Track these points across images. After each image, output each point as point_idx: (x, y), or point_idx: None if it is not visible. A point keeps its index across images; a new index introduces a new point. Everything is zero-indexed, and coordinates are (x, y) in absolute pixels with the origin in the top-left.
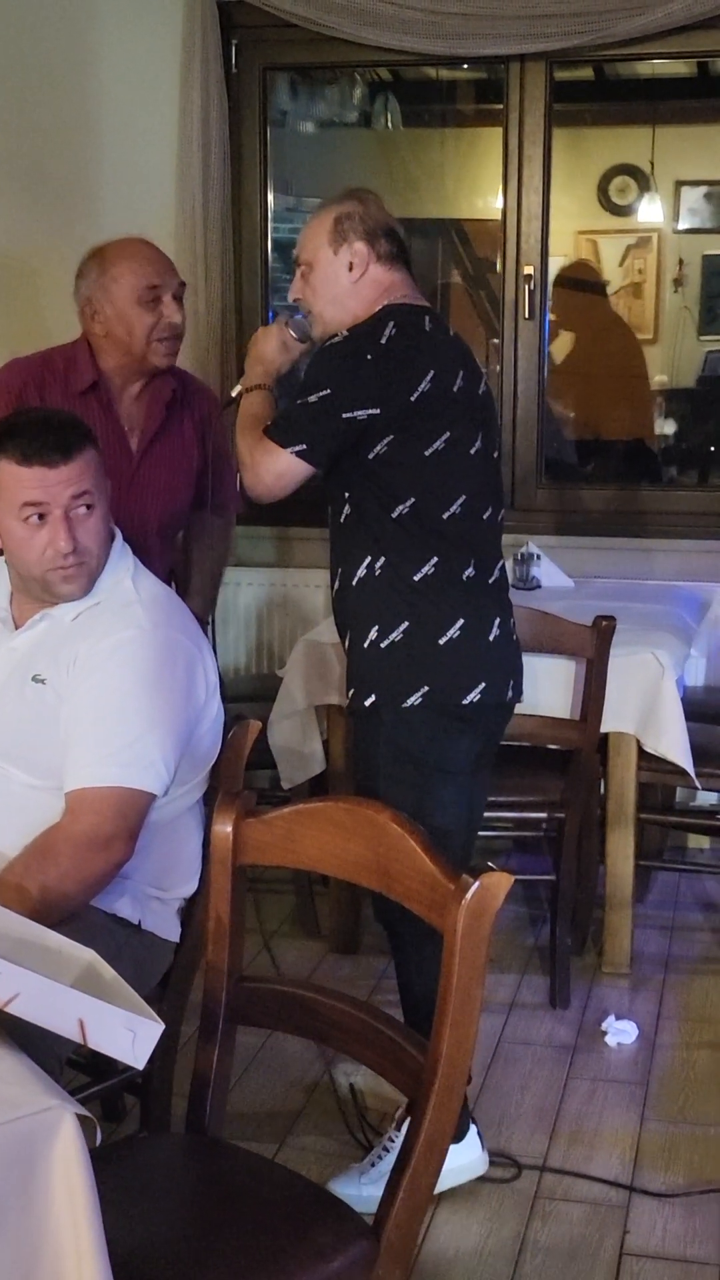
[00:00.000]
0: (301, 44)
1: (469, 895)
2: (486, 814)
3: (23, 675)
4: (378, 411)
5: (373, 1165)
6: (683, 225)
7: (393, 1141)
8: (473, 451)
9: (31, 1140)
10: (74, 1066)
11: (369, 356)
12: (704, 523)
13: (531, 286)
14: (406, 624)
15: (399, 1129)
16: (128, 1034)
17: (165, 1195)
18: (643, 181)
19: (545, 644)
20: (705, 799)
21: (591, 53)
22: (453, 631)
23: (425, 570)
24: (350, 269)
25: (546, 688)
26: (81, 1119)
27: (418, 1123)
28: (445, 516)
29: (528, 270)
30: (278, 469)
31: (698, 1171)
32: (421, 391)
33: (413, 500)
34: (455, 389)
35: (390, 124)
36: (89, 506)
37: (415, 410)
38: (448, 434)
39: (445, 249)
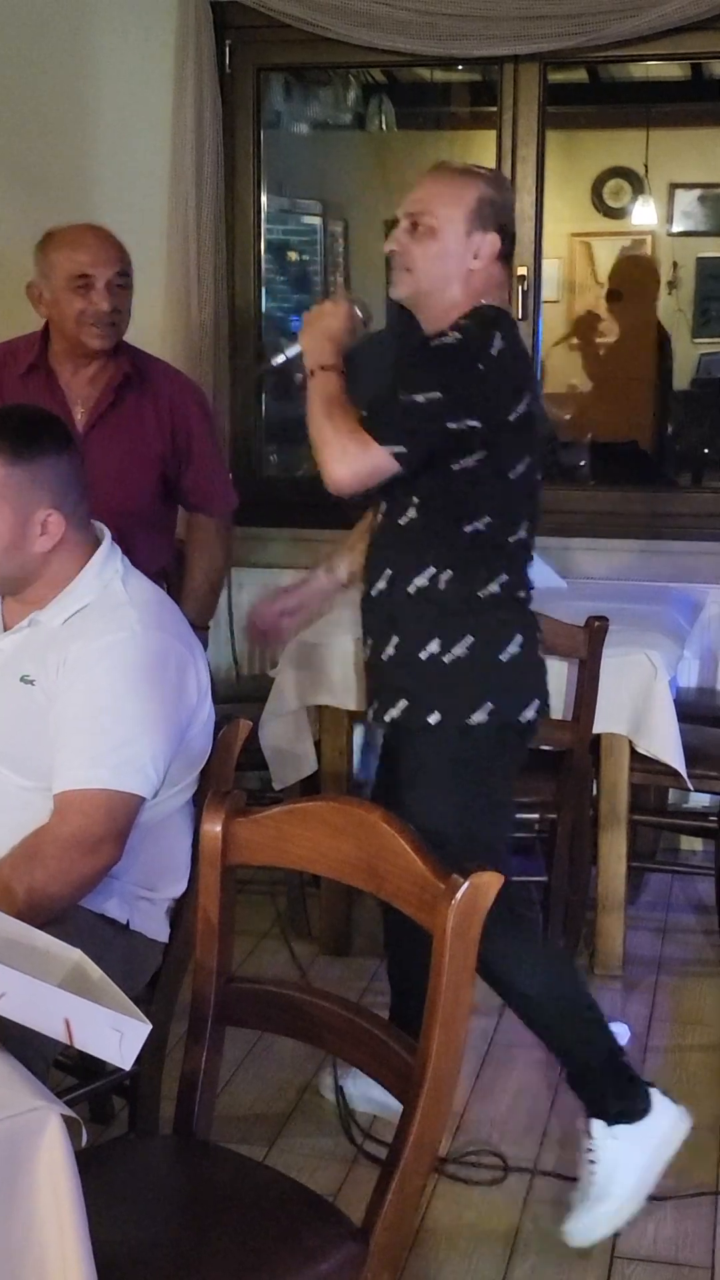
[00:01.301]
0: (295, 44)
1: (458, 896)
2: None
3: (11, 676)
4: (478, 425)
5: (589, 1187)
6: (677, 228)
7: (592, 1152)
8: (539, 476)
9: (16, 1141)
10: (62, 1068)
11: (481, 366)
12: (698, 524)
13: (525, 288)
14: (471, 639)
15: (590, 1135)
16: (114, 1034)
17: (153, 1198)
18: (637, 184)
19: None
20: (698, 800)
21: (585, 54)
22: (512, 648)
23: (492, 588)
24: (475, 256)
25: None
26: (67, 1120)
27: (407, 1124)
28: (512, 539)
29: (521, 272)
30: (371, 464)
31: (688, 1174)
32: (519, 412)
33: (488, 519)
34: (536, 412)
35: (385, 126)
36: None
37: (510, 430)
38: (528, 458)
39: None
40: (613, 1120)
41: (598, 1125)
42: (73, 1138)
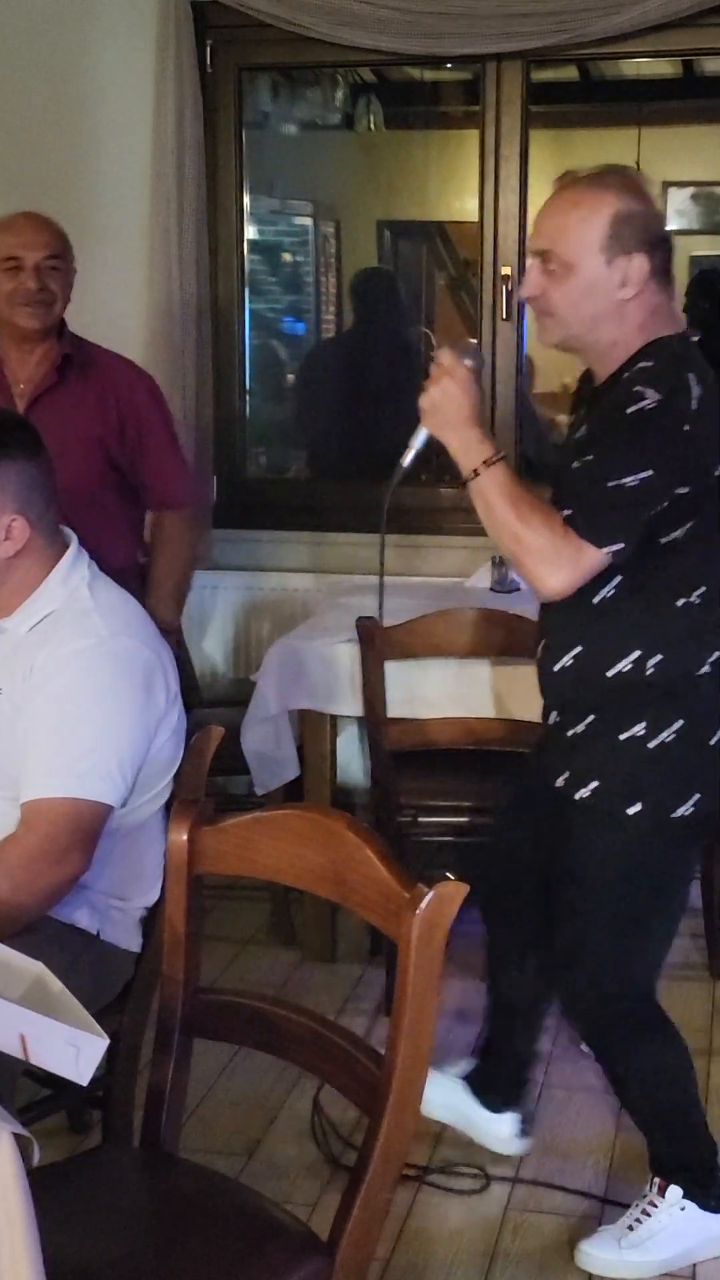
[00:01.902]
0: (277, 44)
1: (423, 905)
2: (462, 819)
3: None
4: (687, 491)
5: (630, 1229)
6: (670, 226)
7: (654, 1206)
8: None
9: None
10: (35, 1079)
11: (687, 428)
12: None
13: (510, 287)
14: (681, 723)
15: (663, 1195)
16: (71, 1049)
17: (117, 1211)
18: None
19: (524, 649)
20: None
21: (568, 52)
22: None
23: (705, 668)
24: (623, 285)
25: (527, 693)
26: (20, 1137)
27: (373, 1136)
28: None
29: (505, 271)
30: (588, 568)
31: None
32: None
33: (701, 589)
34: None
35: (373, 126)
36: None
37: (715, 487)
38: None
39: (429, 251)
40: (690, 1194)
41: (676, 1190)
42: (25, 1155)
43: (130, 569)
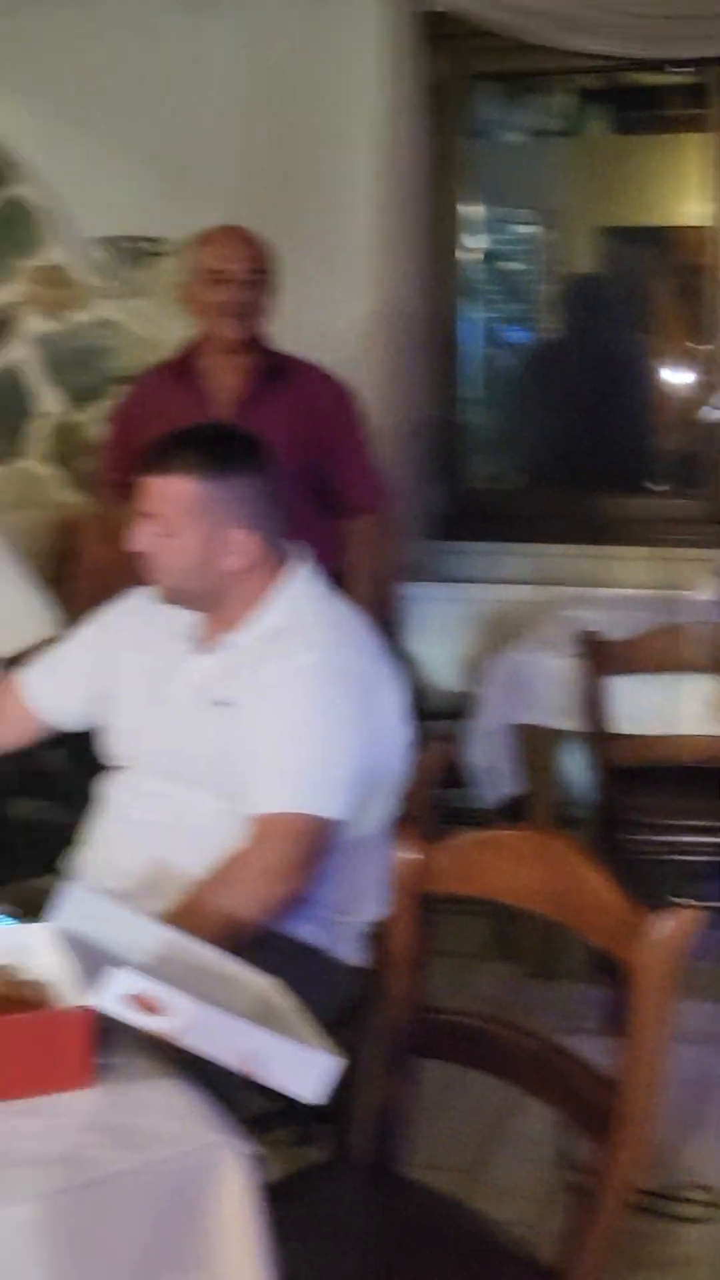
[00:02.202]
0: (503, 51)
1: (656, 931)
2: (690, 838)
3: (206, 699)
4: None
5: None
6: None
7: None
8: None
9: (193, 1178)
10: (263, 1092)
11: None
12: None
13: None
14: None
15: None
16: (301, 1067)
17: (343, 1230)
18: None
19: None
20: None
21: None
22: None
23: None
24: None
25: None
26: (250, 1155)
27: (606, 1164)
28: None
29: None
30: None
31: None
32: None
33: None
34: None
35: (598, 131)
36: (166, 534)
37: None
38: None
39: (652, 257)
40: None
41: None
42: (255, 1172)
43: (329, 576)
